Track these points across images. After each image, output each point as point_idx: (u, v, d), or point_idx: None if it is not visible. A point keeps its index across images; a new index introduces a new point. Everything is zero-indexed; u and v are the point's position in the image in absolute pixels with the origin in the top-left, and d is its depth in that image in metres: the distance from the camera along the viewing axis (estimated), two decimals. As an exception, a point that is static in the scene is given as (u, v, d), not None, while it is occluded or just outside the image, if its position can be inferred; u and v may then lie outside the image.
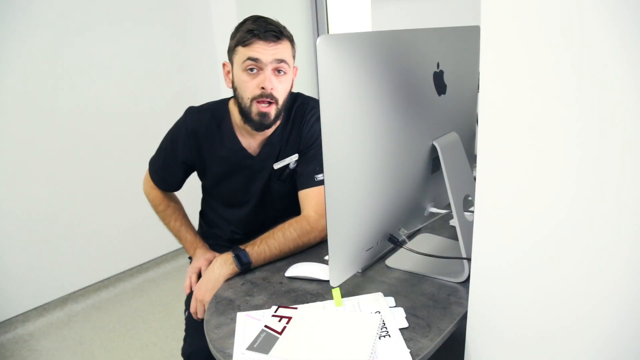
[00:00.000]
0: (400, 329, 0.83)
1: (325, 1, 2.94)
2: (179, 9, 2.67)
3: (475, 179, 0.68)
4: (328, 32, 3.00)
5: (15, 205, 2.18)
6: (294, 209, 1.26)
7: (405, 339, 0.81)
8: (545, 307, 0.62)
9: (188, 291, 1.25)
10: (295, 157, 1.27)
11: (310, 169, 1.23)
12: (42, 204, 2.26)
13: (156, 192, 1.37)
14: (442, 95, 0.98)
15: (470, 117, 1.13)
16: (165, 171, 1.34)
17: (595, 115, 0.52)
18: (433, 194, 1.05)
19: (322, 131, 0.74)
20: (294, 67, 1.22)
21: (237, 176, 1.29)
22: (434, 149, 0.96)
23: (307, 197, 1.21)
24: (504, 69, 0.59)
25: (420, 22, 2.26)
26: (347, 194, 0.81)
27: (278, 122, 1.25)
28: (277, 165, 1.26)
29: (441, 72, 0.96)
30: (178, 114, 1.34)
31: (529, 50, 0.55)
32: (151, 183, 1.37)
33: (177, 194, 1.44)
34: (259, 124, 1.18)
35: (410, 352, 0.77)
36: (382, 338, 0.81)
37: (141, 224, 2.67)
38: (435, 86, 0.95)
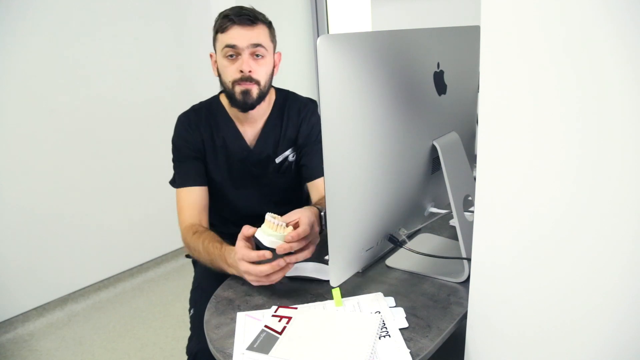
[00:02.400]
0: (400, 329, 0.83)
1: (325, 1, 2.94)
2: (179, 8, 2.67)
3: (475, 179, 0.68)
4: (328, 32, 3.00)
5: (16, 205, 2.18)
6: (293, 201, 1.32)
7: (405, 339, 0.81)
8: (545, 307, 0.62)
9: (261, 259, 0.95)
10: (290, 150, 1.32)
11: (319, 159, 1.19)
12: (42, 203, 2.26)
13: (186, 231, 1.21)
14: (442, 95, 0.98)
15: (470, 117, 1.13)
16: (183, 170, 1.28)
17: (594, 115, 0.52)
18: (433, 194, 1.05)
19: (322, 131, 0.74)
20: (276, 52, 1.25)
21: (234, 169, 1.31)
22: (434, 149, 0.96)
23: (318, 186, 1.27)
24: (504, 69, 0.59)
25: (420, 22, 2.26)
26: (347, 194, 0.81)
27: (267, 108, 1.30)
28: (278, 159, 1.30)
29: (441, 72, 0.96)
30: (177, 112, 1.35)
31: (529, 50, 0.55)
32: (184, 225, 1.23)
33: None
34: (243, 102, 1.22)
35: (410, 352, 0.77)
36: (382, 338, 0.81)
37: (141, 224, 2.68)
38: (435, 86, 0.95)
